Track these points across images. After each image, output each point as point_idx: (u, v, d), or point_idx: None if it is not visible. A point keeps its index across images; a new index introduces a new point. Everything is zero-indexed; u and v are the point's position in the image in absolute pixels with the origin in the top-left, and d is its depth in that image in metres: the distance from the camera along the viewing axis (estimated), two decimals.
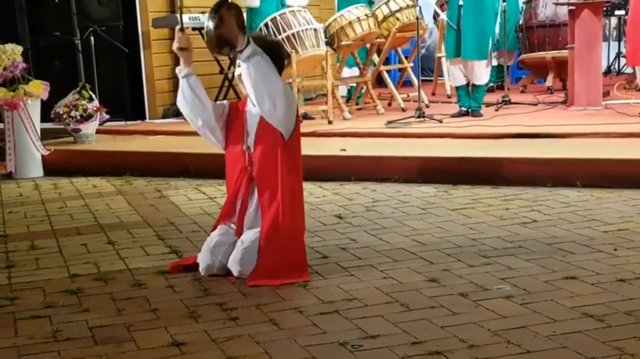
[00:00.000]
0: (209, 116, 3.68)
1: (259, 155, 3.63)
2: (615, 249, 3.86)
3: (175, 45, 3.64)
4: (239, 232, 3.72)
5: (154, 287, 3.64)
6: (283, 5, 7.72)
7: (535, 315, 3.04)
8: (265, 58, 3.47)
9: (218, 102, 3.77)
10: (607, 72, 9.70)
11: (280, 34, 7.15)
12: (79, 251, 4.34)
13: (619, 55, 10.10)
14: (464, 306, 3.18)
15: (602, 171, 5.25)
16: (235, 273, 3.63)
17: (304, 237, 3.75)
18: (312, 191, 5.48)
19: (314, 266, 3.78)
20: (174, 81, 8.97)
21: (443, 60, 8.66)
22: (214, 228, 3.83)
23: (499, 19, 7.57)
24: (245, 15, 7.56)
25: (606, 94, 7.80)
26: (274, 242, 3.59)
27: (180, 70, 3.66)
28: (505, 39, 8.18)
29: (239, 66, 3.56)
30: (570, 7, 7.59)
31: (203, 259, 3.73)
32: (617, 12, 8.74)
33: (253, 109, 3.65)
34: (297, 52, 7.17)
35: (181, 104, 3.71)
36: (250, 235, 3.66)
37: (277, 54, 3.62)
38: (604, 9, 7.88)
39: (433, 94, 9.27)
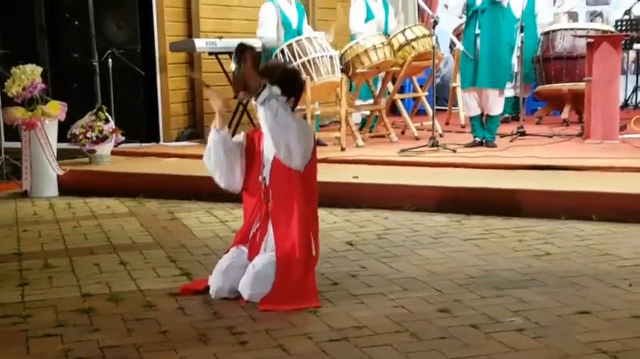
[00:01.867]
0: (236, 179, 3.73)
1: (275, 186, 3.65)
2: (630, 285, 3.82)
3: (217, 104, 3.68)
4: (251, 257, 3.73)
5: (165, 309, 3.65)
6: (299, 32, 7.77)
7: (548, 350, 3.02)
8: (281, 101, 3.52)
9: (235, 140, 3.75)
10: (625, 105, 9.68)
11: (295, 60, 7.19)
12: (92, 271, 4.36)
13: (636, 88, 10.08)
14: (475, 338, 3.16)
15: (618, 205, 5.22)
16: (245, 296, 3.63)
17: (316, 265, 3.76)
18: (323, 217, 5.47)
19: (324, 293, 3.77)
20: (189, 104, 9.05)
21: (458, 90, 8.67)
22: (228, 251, 3.84)
23: (516, 50, 7.58)
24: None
25: (623, 127, 7.77)
26: (287, 269, 3.60)
27: (214, 128, 3.71)
28: (521, 70, 8.20)
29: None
30: (589, 40, 7.60)
31: (214, 282, 3.73)
32: (635, 46, 8.75)
33: (270, 143, 3.66)
34: (312, 78, 7.20)
35: (210, 156, 3.73)
36: (262, 259, 3.67)
37: (293, 83, 3.65)
38: (623, 42, 7.89)
39: (447, 123, 9.27)
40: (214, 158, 3.72)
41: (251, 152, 3.76)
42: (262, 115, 3.56)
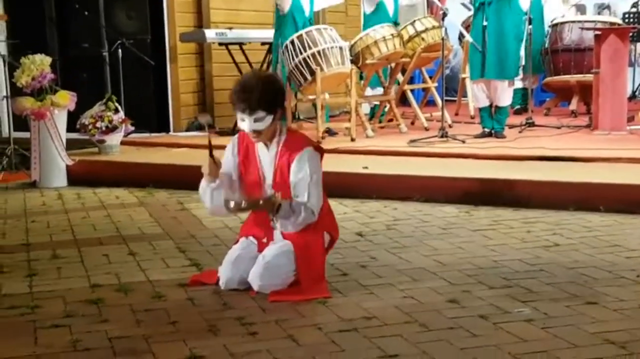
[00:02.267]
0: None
1: (281, 188, 3.63)
2: (638, 276, 3.81)
3: (204, 171, 3.68)
4: (261, 248, 3.73)
5: (174, 299, 3.64)
6: (311, 22, 7.75)
7: (556, 340, 3.01)
8: (293, 209, 3.60)
9: (223, 172, 3.70)
10: (632, 97, 9.63)
11: (305, 51, 7.18)
12: (101, 262, 4.36)
13: None
14: (484, 328, 3.15)
15: (626, 197, 5.20)
16: (255, 287, 3.63)
17: (324, 254, 3.76)
18: (333, 208, 5.43)
19: (333, 283, 3.77)
20: (199, 95, 9.04)
21: (467, 81, 8.64)
22: (236, 242, 3.84)
23: (524, 42, 7.54)
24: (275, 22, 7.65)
25: (631, 119, 7.74)
26: (305, 258, 3.61)
27: (205, 180, 3.71)
28: (530, 62, 8.15)
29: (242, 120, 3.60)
30: (597, 32, 7.57)
31: (223, 273, 3.73)
32: None
33: (267, 155, 3.66)
34: (322, 69, 7.19)
35: (208, 204, 3.76)
36: (272, 250, 3.66)
37: (273, 95, 3.57)
38: (630, 34, 7.86)
39: (456, 114, 9.24)
40: (211, 207, 3.75)
41: (245, 159, 3.73)
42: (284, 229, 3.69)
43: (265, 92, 3.54)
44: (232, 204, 3.52)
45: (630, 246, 4.35)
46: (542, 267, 3.98)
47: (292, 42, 7.24)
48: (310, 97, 7.58)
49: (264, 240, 3.76)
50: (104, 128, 7.21)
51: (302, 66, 7.21)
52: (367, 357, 2.89)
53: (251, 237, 3.80)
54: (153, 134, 8.48)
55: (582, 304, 3.41)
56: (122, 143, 7.51)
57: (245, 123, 3.58)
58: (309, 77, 7.24)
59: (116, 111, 7.30)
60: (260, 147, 3.69)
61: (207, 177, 3.69)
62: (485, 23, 7.12)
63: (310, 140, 3.76)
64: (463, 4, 9.30)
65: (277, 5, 7.73)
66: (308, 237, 3.66)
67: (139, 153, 7.56)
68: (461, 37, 9.19)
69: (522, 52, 7.88)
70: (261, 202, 3.58)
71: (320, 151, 3.70)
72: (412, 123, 8.60)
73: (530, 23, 7.78)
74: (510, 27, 7.14)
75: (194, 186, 6.39)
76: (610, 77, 7.37)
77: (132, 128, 7.53)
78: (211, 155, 3.65)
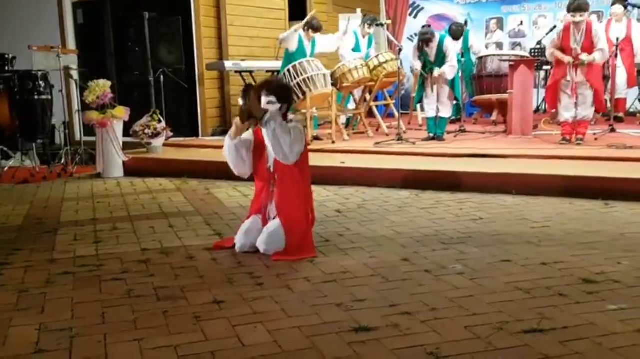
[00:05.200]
0: (246, 169, 3.71)
1: (278, 172, 3.61)
2: (540, 241, 3.83)
3: (235, 124, 3.64)
4: (264, 223, 3.73)
5: (202, 259, 3.64)
6: (312, 55, 7.69)
7: (480, 288, 3.03)
8: (278, 122, 3.50)
9: (244, 138, 3.69)
10: (537, 110, 9.65)
11: (298, 76, 7.15)
12: (148, 232, 4.35)
13: (544, 98, 10.05)
14: (428, 279, 3.17)
15: (531, 183, 5.22)
16: (262, 250, 3.63)
17: (312, 226, 3.75)
18: (318, 192, 5.47)
19: (319, 247, 3.78)
20: (220, 109, 8.99)
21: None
22: (247, 218, 3.84)
23: (460, 73, 7.55)
24: (284, 57, 7.59)
25: (535, 126, 7.77)
26: (292, 232, 3.59)
27: (230, 136, 3.67)
28: (463, 85, 8.16)
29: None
30: (511, 63, 7.58)
31: (238, 240, 3.73)
32: (545, 67, 8.73)
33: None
34: (310, 90, 7.17)
35: (227, 155, 3.71)
36: (273, 224, 3.65)
37: (286, 92, 3.63)
38: (535, 64, 7.88)
39: (409, 123, 9.24)
40: (228, 157, 3.71)
41: (259, 146, 3.71)
42: (264, 133, 3.55)
43: (279, 87, 3.58)
44: (241, 102, 3.50)
45: (534, 220, 4.37)
46: (471, 235, 4.00)
47: (289, 70, 7.21)
48: (303, 111, 7.57)
49: (268, 211, 3.72)
50: (150, 134, 7.18)
51: (297, 88, 7.19)
52: (343, 301, 2.90)
53: (258, 215, 3.79)
54: (186, 138, 8.44)
55: (499, 261, 3.43)
56: (164, 145, 7.47)
57: (263, 99, 3.56)
58: (301, 96, 7.23)
59: (159, 121, 7.26)
60: (265, 133, 3.61)
61: (232, 134, 3.64)
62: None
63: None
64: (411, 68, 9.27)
65: (281, 43, 7.65)
66: (294, 214, 3.61)
67: (177, 152, 7.52)
68: (412, 67, 9.17)
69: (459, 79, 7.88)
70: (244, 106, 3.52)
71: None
72: (377, 130, 8.57)
73: (463, 56, 7.78)
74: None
75: (216, 176, 6.44)
76: (521, 95, 7.39)
77: (171, 134, 7.50)
78: (243, 119, 3.59)
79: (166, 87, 8.20)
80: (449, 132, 7.71)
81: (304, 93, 7.19)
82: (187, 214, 4.91)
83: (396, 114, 8.19)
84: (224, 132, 8.83)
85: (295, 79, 7.16)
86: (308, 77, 7.17)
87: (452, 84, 7.19)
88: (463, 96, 8.39)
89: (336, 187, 5.77)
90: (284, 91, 3.61)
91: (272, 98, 3.55)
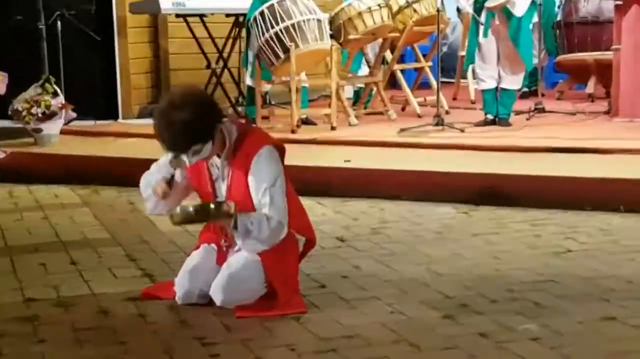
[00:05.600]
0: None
1: (241, 206, 3.60)
2: None
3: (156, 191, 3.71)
4: (221, 257, 3.73)
5: (123, 316, 3.63)
6: None
7: None
8: (256, 228, 3.56)
9: (175, 189, 3.73)
10: None
11: (277, 24, 7.17)
12: (37, 272, 4.32)
13: None
14: (485, 348, 3.17)
15: None
16: (218, 302, 3.63)
17: (297, 261, 3.77)
18: (310, 208, 5.44)
19: (309, 296, 3.77)
20: (153, 76, 9.01)
21: None
22: (196, 248, 3.84)
23: (536, 17, 7.58)
24: None
25: None
26: (275, 268, 3.61)
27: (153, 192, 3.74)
28: (540, 37, 8.19)
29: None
30: (617, 2, 7.59)
31: (180, 285, 3.72)
32: None
33: (218, 166, 3.66)
34: (296, 45, 7.18)
35: (143, 191, 3.80)
36: (238, 258, 3.65)
37: (204, 113, 3.50)
38: None
39: (454, 98, 9.28)
40: (144, 194, 3.82)
41: (194, 171, 3.72)
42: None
43: (193, 123, 3.44)
44: (177, 210, 3.54)
45: None
46: (553, 278, 3.99)
47: (262, 14, 7.23)
48: (284, 78, 7.58)
49: (224, 243, 3.74)
50: (40, 115, 7.17)
51: (274, 42, 7.21)
52: None
53: (213, 244, 3.79)
54: (99, 122, 8.44)
55: (598, 320, 3.43)
56: (63, 132, 7.48)
57: (184, 159, 3.55)
58: (281, 55, 7.24)
59: (55, 94, 7.25)
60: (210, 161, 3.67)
61: (156, 193, 3.71)
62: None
63: (266, 137, 3.73)
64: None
65: None
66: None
67: (82, 144, 7.52)
68: (460, 8, 9.21)
69: (532, 27, 7.91)
70: (212, 206, 3.55)
71: (280, 149, 3.68)
72: (403, 109, 8.61)
73: None
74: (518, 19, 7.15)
75: None
76: (633, 55, 7.41)
77: (74, 115, 7.50)
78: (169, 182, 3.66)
79: (66, 41, 8.21)
80: (517, 113, 7.73)
81: (286, 50, 7.21)
82: (99, 243, 4.89)
83: (434, 83, 8.22)
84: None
85: (272, 27, 7.19)
86: (293, 25, 7.20)
87: (521, 35, 7.21)
88: (541, 54, 8.43)
89: (337, 201, 5.78)
90: (199, 122, 3.46)
91: (197, 146, 3.49)
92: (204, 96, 3.74)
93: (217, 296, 3.63)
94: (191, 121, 3.45)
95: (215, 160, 3.68)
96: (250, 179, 3.59)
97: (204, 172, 3.72)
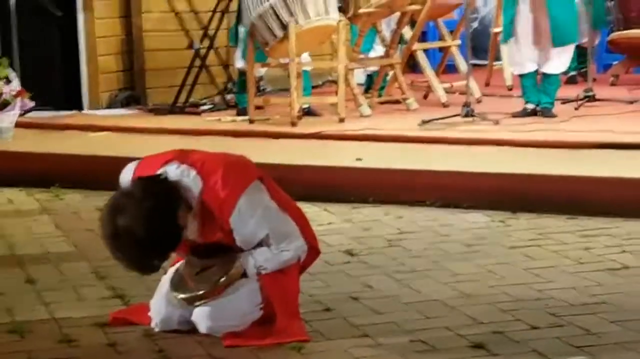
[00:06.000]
0: None
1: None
2: None
3: None
4: None
5: (89, 345, 3.63)
6: None
7: None
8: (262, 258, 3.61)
9: None
10: None
11: None
12: None
13: None
14: None
15: None
16: (202, 329, 3.64)
17: (298, 277, 3.76)
18: (314, 216, 5.47)
19: (312, 322, 3.77)
20: (124, 57, 9.00)
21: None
22: (173, 264, 3.82)
23: None
24: None
25: None
26: (268, 290, 3.61)
27: None
28: (589, 12, 8.18)
29: None
30: None
31: (156, 311, 3.73)
32: None
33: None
34: (297, 21, 7.19)
35: None
36: None
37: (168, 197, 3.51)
38: None
39: (487, 84, 9.27)
40: None
41: None
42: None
43: (149, 253, 3.45)
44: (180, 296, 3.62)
45: None
46: (606, 299, 3.99)
47: None
48: (282, 60, 7.58)
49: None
50: None
51: (270, 17, 7.21)
52: None
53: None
54: (61, 112, 8.45)
55: None
56: (18, 125, 7.49)
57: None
58: (279, 33, 7.24)
59: (8, 80, 7.27)
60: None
61: None
62: None
63: (234, 184, 3.65)
64: None
65: None
66: None
67: (41, 139, 7.54)
68: None
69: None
70: (222, 280, 3.60)
71: (259, 179, 3.66)
72: (425, 97, 8.61)
73: None
74: None
75: (118, 186, 6.44)
76: None
77: (32, 104, 7.51)
78: None
79: (21, 16, 8.22)
80: (563, 101, 7.73)
81: (284, 26, 7.22)
82: (62, 257, 4.89)
83: (462, 66, 8.21)
84: (131, 101, 8.87)
85: (265, 0, 7.18)
86: None
87: (563, 3, 7.20)
88: (590, 34, 8.42)
89: (347, 207, 5.79)
90: (157, 249, 3.46)
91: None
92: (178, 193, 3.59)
93: (201, 323, 3.64)
94: (148, 252, 3.44)
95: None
96: (237, 238, 3.58)
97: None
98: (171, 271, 3.82)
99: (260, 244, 3.61)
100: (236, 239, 3.59)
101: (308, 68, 7.97)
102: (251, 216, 3.57)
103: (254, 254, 3.60)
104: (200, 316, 3.64)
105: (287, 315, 3.64)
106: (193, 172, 3.57)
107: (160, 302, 3.74)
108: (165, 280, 3.79)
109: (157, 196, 3.45)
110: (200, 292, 3.60)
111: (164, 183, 3.50)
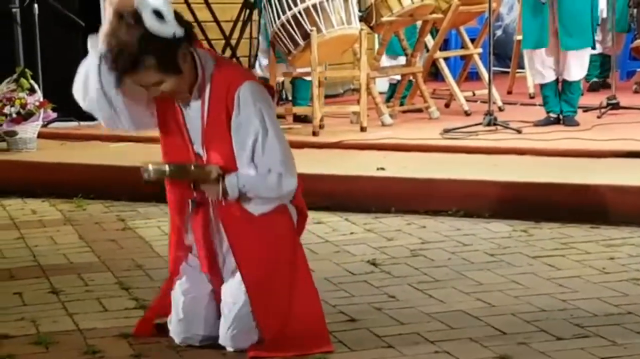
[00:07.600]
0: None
1: (217, 152, 3.56)
2: None
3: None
4: (217, 280, 3.68)
5: (115, 356, 3.63)
6: None
7: None
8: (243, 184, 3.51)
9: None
10: None
11: (296, 5, 7.18)
12: (11, 303, 4.34)
13: None
14: None
15: None
16: (229, 348, 3.61)
17: (315, 288, 3.71)
18: (335, 226, 5.47)
19: (336, 333, 3.77)
20: None
21: None
22: (173, 274, 3.77)
23: None
24: None
25: None
26: (268, 296, 3.56)
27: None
28: (612, 17, 8.16)
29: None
30: None
31: (176, 334, 3.69)
32: None
33: (191, 106, 3.59)
34: (319, 30, 7.20)
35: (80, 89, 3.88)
36: (236, 290, 3.58)
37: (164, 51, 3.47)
38: None
39: (509, 92, 9.26)
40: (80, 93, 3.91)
41: (163, 108, 3.65)
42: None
43: (153, 52, 3.46)
44: (150, 167, 3.52)
45: None
46: (631, 310, 3.98)
47: None
48: (303, 70, 7.59)
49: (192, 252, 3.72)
50: (14, 115, 7.22)
51: (292, 26, 7.23)
52: None
53: (191, 260, 3.74)
54: (83, 123, 8.46)
55: None
56: (41, 136, 7.52)
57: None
58: (301, 42, 7.26)
59: (31, 90, 7.30)
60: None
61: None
62: None
63: (247, 71, 3.67)
64: None
65: None
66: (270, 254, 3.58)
67: (64, 150, 7.56)
68: None
69: (602, 5, 7.89)
70: (192, 167, 3.54)
71: (270, 89, 3.65)
72: (447, 105, 8.60)
73: None
74: None
75: (141, 195, 6.45)
76: None
77: (55, 115, 7.54)
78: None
79: (45, 27, 8.26)
80: (585, 109, 7.70)
81: (306, 35, 7.23)
82: (86, 268, 4.91)
83: (484, 74, 8.20)
84: None
85: (290, 8, 7.21)
86: (314, 5, 7.22)
87: (586, 11, 7.18)
88: (613, 38, 8.39)
89: (369, 217, 5.79)
90: (161, 52, 3.44)
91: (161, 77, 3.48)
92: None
93: (227, 345, 3.61)
94: (154, 49, 3.46)
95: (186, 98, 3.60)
96: (233, 128, 3.51)
97: (174, 113, 3.63)
98: (176, 288, 3.73)
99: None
100: (232, 124, 3.49)
101: (308, 78, 7.93)
102: (254, 107, 3.48)
103: (238, 173, 3.49)
104: (225, 341, 3.60)
105: (273, 328, 3.56)
106: (209, 55, 3.61)
107: (178, 329, 3.70)
108: (176, 302, 3.71)
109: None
110: (167, 167, 3.57)
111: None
